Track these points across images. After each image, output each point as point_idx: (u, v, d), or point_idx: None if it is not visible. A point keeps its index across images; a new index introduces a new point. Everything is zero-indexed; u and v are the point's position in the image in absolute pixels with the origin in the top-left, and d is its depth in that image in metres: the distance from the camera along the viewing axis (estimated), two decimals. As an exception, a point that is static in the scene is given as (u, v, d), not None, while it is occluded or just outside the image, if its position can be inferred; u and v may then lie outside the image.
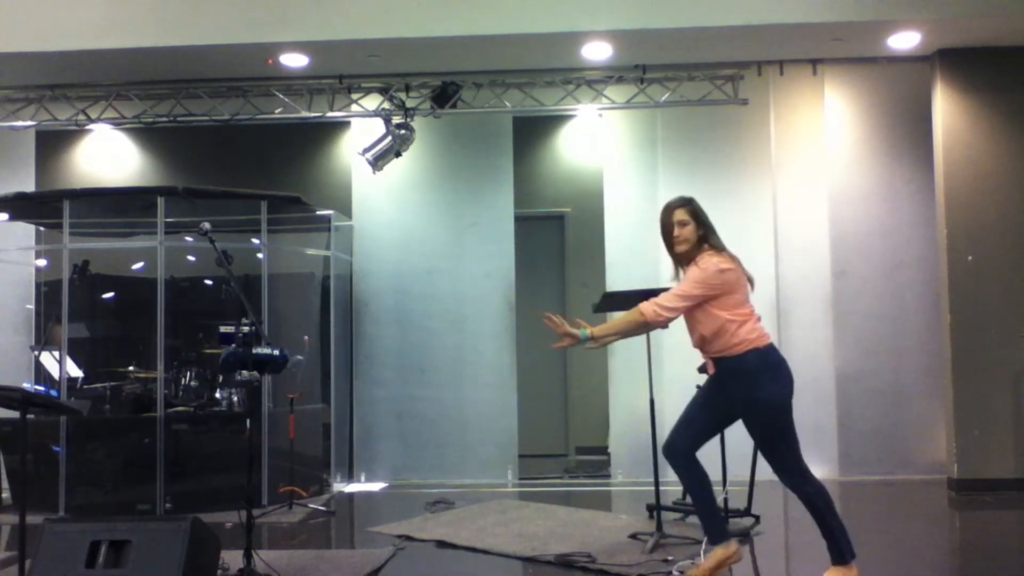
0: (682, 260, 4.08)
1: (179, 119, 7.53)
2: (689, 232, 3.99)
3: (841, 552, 3.96)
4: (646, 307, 3.91)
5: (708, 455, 5.58)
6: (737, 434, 5.66)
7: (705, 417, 4.14)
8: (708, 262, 3.91)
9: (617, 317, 4.04)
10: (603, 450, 8.07)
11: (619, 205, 7.65)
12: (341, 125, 7.91)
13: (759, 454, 5.64)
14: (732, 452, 5.51)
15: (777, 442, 3.95)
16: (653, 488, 5.06)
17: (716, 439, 5.48)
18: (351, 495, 7.13)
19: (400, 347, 7.65)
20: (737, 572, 4.68)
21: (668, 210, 4.06)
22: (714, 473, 5.52)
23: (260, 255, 6.78)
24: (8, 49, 6.65)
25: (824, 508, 3.96)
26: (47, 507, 6.06)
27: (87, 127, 7.85)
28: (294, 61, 7.03)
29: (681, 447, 4.09)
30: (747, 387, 3.92)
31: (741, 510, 5.45)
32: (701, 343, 4.03)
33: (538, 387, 8.24)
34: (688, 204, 4.06)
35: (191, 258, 7.48)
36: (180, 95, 7.52)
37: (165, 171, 8.06)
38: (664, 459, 4.21)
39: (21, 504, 4.64)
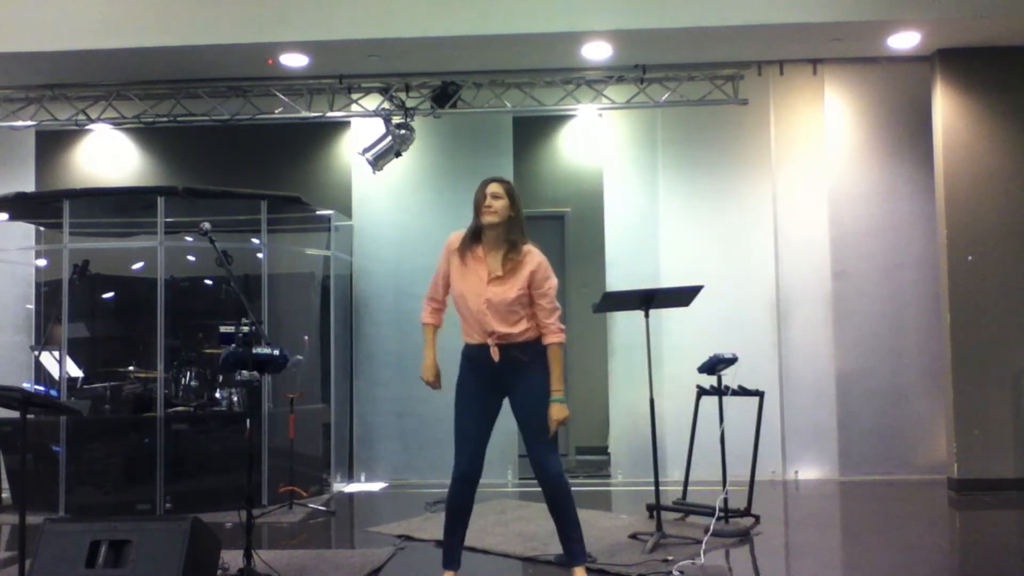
0: (483, 236, 3.92)
1: (179, 119, 7.53)
2: (501, 207, 3.88)
3: (577, 553, 3.96)
4: (559, 336, 3.88)
5: (708, 455, 5.64)
6: (738, 434, 5.69)
7: (488, 422, 3.96)
8: (541, 258, 3.92)
9: (554, 364, 3.86)
10: (603, 450, 8.07)
11: (619, 205, 7.65)
12: (341, 125, 7.91)
13: (757, 454, 5.67)
14: (732, 452, 5.51)
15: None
16: (653, 488, 5.05)
17: (716, 439, 5.50)
18: (351, 495, 7.13)
19: (400, 347, 7.64)
20: (737, 572, 4.69)
21: (483, 184, 3.97)
22: (714, 473, 5.57)
23: (260, 255, 6.78)
24: (8, 49, 6.66)
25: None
26: (47, 507, 6.06)
27: (87, 127, 7.85)
28: (294, 61, 7.03)
29: (480, 468, 3.92)
30: (535, 369, 3.87)
31: (741, 510, 5.45)
32: (506, 333, 3.85)
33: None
34: (506, 182, 3.99)
35: (191, 258, 7.48)
36: (180, 95, 7.52)
37: (165, 171, 8.05)
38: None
39: (21, 504, 4.63)
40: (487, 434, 3.94)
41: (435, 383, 4.03)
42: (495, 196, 3.91)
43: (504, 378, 3.89)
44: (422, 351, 4.05)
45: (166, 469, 6.22)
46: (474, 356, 3.92)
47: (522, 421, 3.91)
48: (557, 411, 3.84)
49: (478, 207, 3.93)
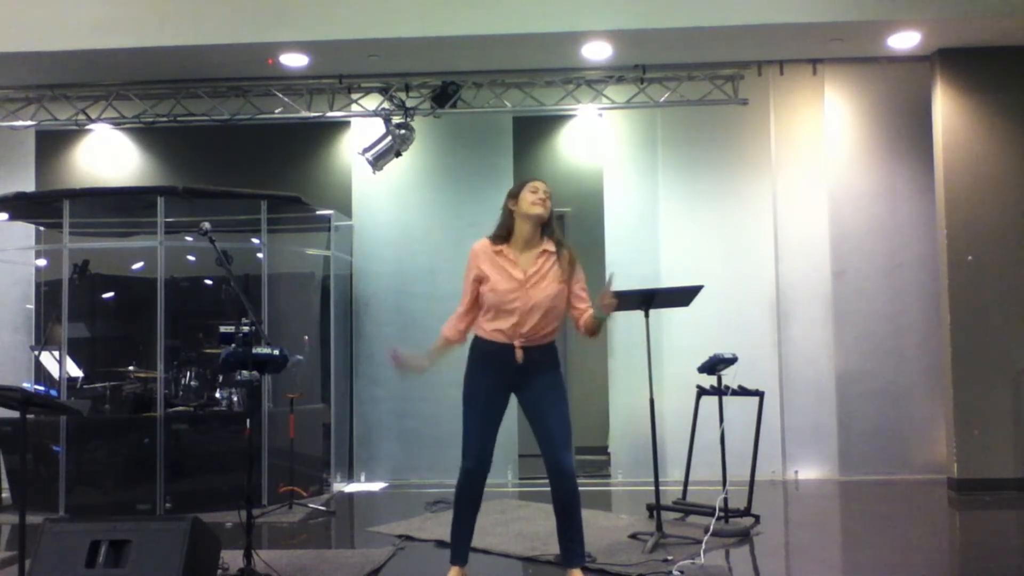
0: (513, 236, 3.94)
1: (179, 119, 7.53)
2: (549, 207, 3.94)
3: (576, 555, 3.95)
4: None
5: (708, 455, 5.64)
6: (738, 434, 5.70)
7: (498, 418, 3.95)
8: (574, 254, 4.01)
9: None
10: (603, 450, 8.07)
11: (619, 205, 7.65)
12: (341, 125, 7.90)
13: (757, 454, 5.68)
14: (732, 452, 5.51)
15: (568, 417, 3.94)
16: (653, 488, 5.05)
17: (716, 439, 5.50)
18: (351, 495, 7.13)
19: (400, 347, 7.63)
20: (737, 572, 4.69)
21: (530, 180, 4.00)
22: (714, 473, 5.56)
23: (260, 255, 6.78)
24: (8, 49, 6.66)
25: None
26: (47, 507, 6.05)
27: (87, 127, 7.85)
28: (294, 61, 7.03)
29: (488, 462, 3.92)
30: (552, 368, 3.93)
31: (741, 510, 5.45)
32: (537, 329, 3.87)
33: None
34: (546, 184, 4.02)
35: (191, 258, 7.47)
36: (180, 95, 7.52)
37: (165, 171, 8.05)
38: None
39: (21, 504, 4.64)
40: (496, 429, 3.94)
41: (416, 366, 4.00)
42: (546, 192, 3.94)
43: (520, 378, 3.89)
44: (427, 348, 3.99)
45: (166, 469, 6.22)
46: (493, 353, 3.89)
47: (541, 418, 3.90)
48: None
49: (524, 201, 3.91)
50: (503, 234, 3.97)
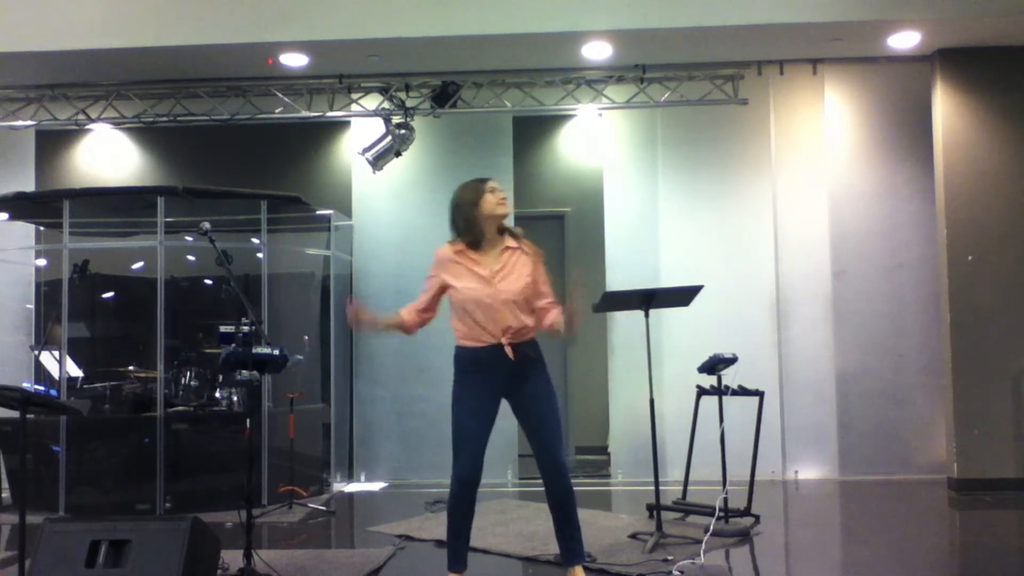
0: (485, 232, 3.89)
1: (179, 119, 7.53)
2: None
3: (576, 553, 3.95)
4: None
5: (708, 455, 5.64)
6: (738, 434, 5.70)
7: (489, 424, 3.89)
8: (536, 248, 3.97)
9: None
10: (603, 450, 8.07)
11: (619, 205, 7.65)
12: (341, 125, 7.90)
13: (757, 454, 5.68)
14: (732, 452, 5.51)
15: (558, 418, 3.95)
16: (653, 488, 5.05)
17: (716, 439, 5.50)
18: (351, 495, 7.13)
19: (400, 347, 7.64)
20: (737, 572, 4.69)
21: (477, 184, 3.95)
22: (714, 473, 5.57)
23: (260, 255, 6.78)
24: (8, 49, 6.66)
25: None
26: (47, 507, 6.06)
27: (87, 127, 7.84)
28: (294, 61, 7.03)
29: (481, 470, 3.86)
30: (542, 367, 3.92)
31: (741, 510, 5.45)
32: (517, 323, 3.83)
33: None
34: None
35: (191, 258, 7.48)
36: (180, 95, 7.52)
37: (165, 171, 8.05)
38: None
39: (21, 504, 4.64)
40: (487, 436, 3.91)
41: (361, 318, 3.99)
42: (502, 189, 3.95)
43: (512, 380, 3.86)
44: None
45: (166, 469, 6.22)
46: (483, 359, 3.83)
47: (536, 420, 3.87)
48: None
49: (488, 204, 3.88)
50: (470, 240, 3.90)
